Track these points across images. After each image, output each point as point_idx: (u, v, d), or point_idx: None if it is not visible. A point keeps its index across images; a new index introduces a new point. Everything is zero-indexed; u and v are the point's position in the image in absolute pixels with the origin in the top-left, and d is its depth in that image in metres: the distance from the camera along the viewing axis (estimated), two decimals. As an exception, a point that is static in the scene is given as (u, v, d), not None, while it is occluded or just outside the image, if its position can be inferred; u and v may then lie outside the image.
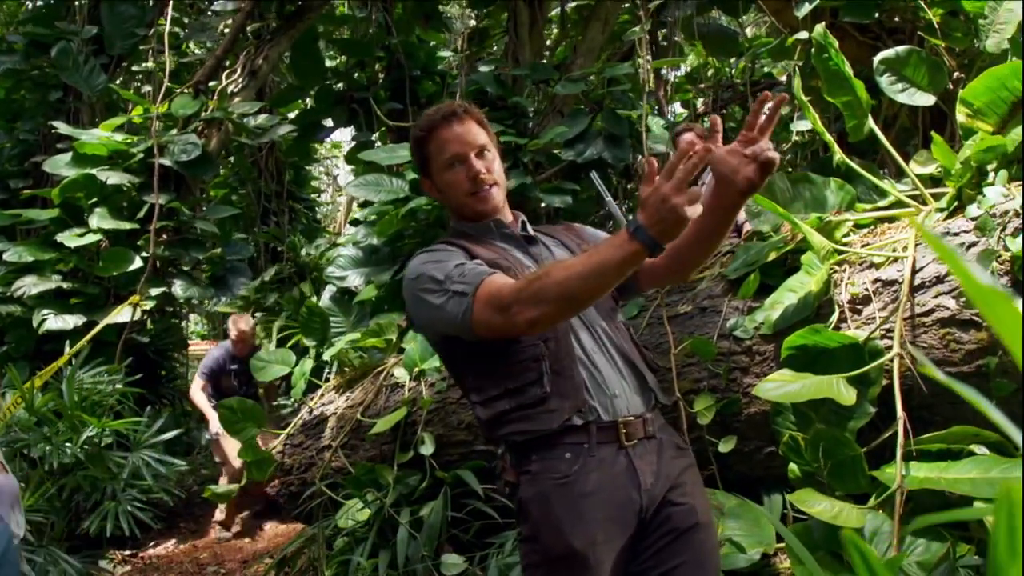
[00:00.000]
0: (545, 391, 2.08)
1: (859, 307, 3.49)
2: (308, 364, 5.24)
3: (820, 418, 3.33)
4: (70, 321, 6.71)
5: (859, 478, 3.08)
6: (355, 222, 7.76)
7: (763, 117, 2.01)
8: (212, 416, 6.58)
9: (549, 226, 2.56)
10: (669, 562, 2.10)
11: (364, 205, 7.53)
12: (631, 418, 2.14)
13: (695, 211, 1.81)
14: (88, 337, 6.14)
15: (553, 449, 2.09)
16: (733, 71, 10.73)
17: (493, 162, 2.29)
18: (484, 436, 2.61)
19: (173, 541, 6.94)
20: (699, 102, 11.54)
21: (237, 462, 6.10)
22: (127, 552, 6.55)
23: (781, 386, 3.12)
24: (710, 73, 11.08)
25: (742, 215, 5.11)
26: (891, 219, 3.88)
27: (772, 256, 3.85)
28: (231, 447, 6.37)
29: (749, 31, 11.33)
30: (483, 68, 7.61)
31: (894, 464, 2.96)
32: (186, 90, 8.11)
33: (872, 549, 0.86)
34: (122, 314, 6.53)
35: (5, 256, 6.99)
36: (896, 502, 2.88)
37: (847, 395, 3.00)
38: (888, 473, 2.99)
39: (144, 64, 9.76)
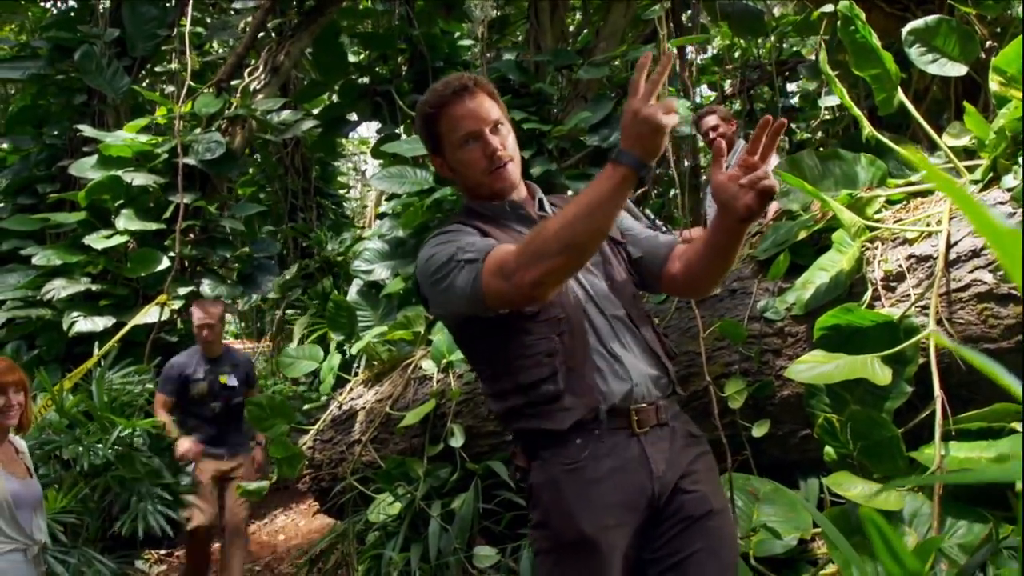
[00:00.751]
0: (559, 388, 2.03)
1: (893, 284, 3.39)
2: (336, 359, 5.20)
3: (855, 399, 3.24)
4: (99, 323, 6.73)
5: (897, 460, 2.99)
6: (382, 216, 7.73)
7: (764, 142, 1.98)
8: (182, 443, 5.36)
9: (561, 197, 2.49)
10: (684, 550, 2.04)
11: (392, 199, 7.50)
12: (644, 405, 2.08)
13: (671, 119, 1.76)
14: (117, 338, 6.16)
15: (564, 437, 2.04)
16: (760, 51, 10.59)
17: (508, 137, 2.20)
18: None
19: (208, 539, 6.94)
20: (727, 83, 11.40)
21: (211, 507, 5.51)
22: (162, 552, 6.58)
23: (814, 367, 3.04)
24: (737, 54, 10.93)
25: None
26: (924, 193, 3.78)
27: (802, 235, 3.76)
28: (206, 485, 5.55)
29: (776, 10, 11.16)
30: (505, 56, 7.54)
31: (933, 445, 2.86)
32: (208, 89, 8.10)
33: (892, 528, 0.80)
34: (150, 314, 6.54)
35: (34, 260, 7.03)
36: (935, 483, 2.79)
37: (882, 375, 2.91)
38: (927, 454, 2.90)
39: (167, 65, 9.77)
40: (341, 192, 14.66)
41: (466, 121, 2.15)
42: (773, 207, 4.94)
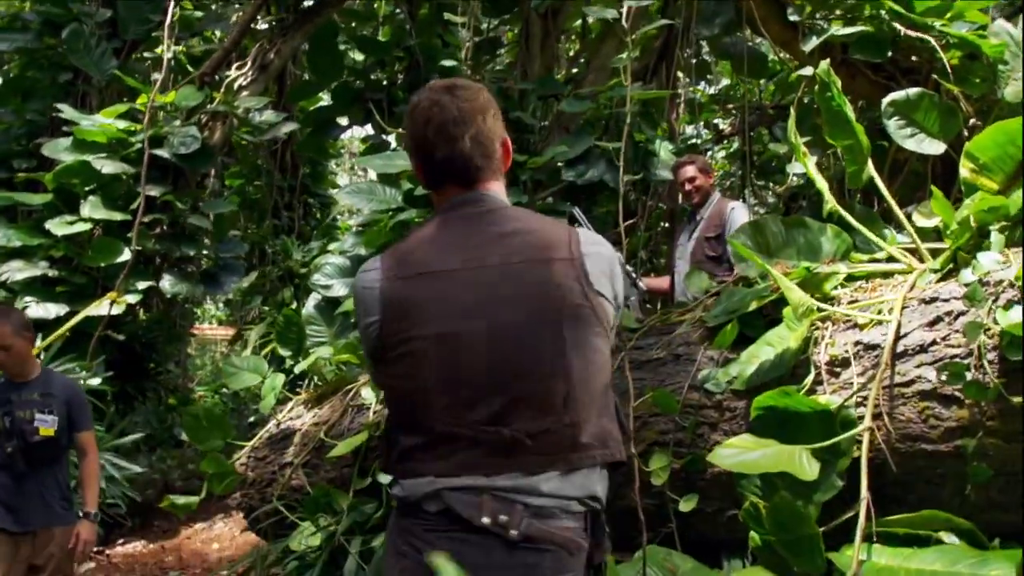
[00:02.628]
0: None
1: (837, 370, 3.27)
2: (279, 379, 5.04)
3: (786, 485, 3.10)
4: (52, 310, 6.58)
5: (815, 559, 2.86)
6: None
7: None
8: None
9: None
10: None
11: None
12: None
13: None
14: (63, 329, 6.01)
15: None
16: (762, 93, 10.48)
17: None
18: None
19: (143, 541, 6.81)
20: (726, 123, 11.30)
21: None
22: (94, 550, 6.43)
23: (739, 453, 2.91)
24: (740, 94, 10.81)
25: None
26: (887, 274, 3.66)
27: (753, 305, 3.63)
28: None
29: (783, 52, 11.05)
30: (489, 80, 7.43)
31: (852, 547, 2.73)
32: (191, 82, 7.97)
33: None
34: (101, 308, 6.38)
35: (-7, 239, 6.88)
36: (850, 592, 2.65)
37: (809, 470, 2.79)
38: (846, 557, 2.77)
39: (157, 51, 9.64)
40: (331, 193, 14.50)
41: None
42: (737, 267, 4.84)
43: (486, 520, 1.79)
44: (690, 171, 5.33)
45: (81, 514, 4.15)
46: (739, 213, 5.15)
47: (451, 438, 1.84)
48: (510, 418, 1.83)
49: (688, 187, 5.34)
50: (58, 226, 6.72)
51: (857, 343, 3.24)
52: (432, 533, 1.82)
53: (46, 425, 3.97)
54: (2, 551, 3.89)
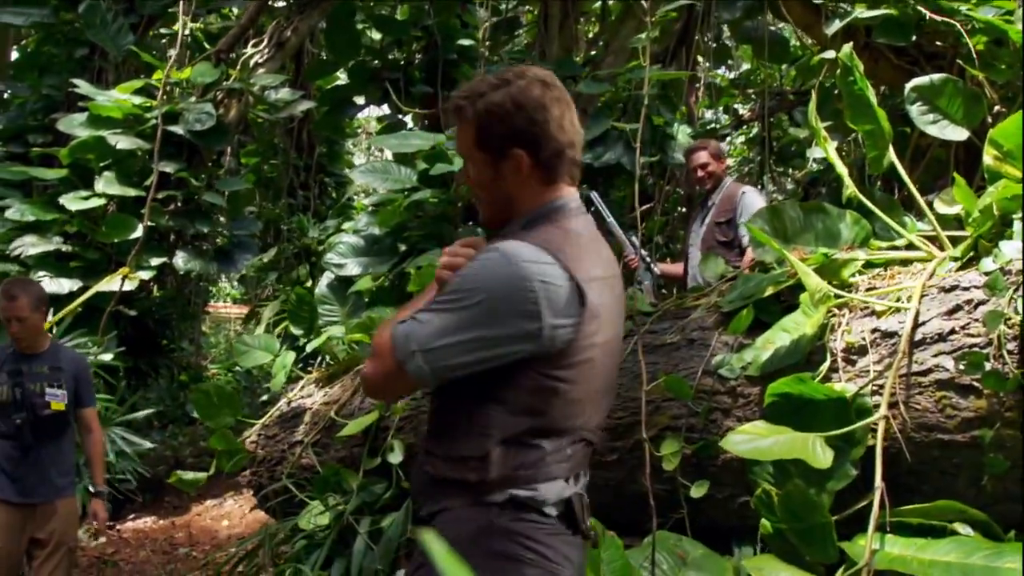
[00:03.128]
0: None
1: (854, 357, 3.22)
2: (289, 357, 5.02)
3: (799, 473, 3.06)
4: (66, 285, 6.57)
5: (828, 548, 2.82)
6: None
7: None
8: None
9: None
10: None
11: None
12: None
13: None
14: (76, 304, 6.00)
15: None
16: (783, 78, 10.38)
17: (471, 175, 1.97)
18: None
19: (154, 516, 6.83)
20: (746, 108, 11.20)
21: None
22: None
23: (752, 440, 2.87)
24: (761, 78, 10.71)
25: (745, 237, 4.88)
26: (906, 262, 3.60)
27: (769, 291, 3.58)
28: None
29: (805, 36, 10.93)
30: (508, 60, 7.37)
31: (865, 536, 2.69)
32: (207, 58, 7.94)
33: None
34: (113, 283, 6.37)
35: (7, 214, 6.86)
36: (863, 581, 2.61)
37: (823, 458, 2.74)
38: (858, 546, 2.73)
39: (173, 27, 9.61)
40: (347, 172, 14.44)
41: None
42: (748, 256, 4.78)
43: (587, 523, 1.89)
44: (702, 156, 5.28)
45: (92, 492, 4.17)
46: (750, 198, 5.10)
47: (579, 442, 1.88)
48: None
49: (700, 173, 5.29)
50: (72, 201, 6.71)
51: (874, 330, 3.19)
52: (556, 538, 1.82)
53: (57, 399, 3.97)
54: (3, 521, 3.88)
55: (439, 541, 0.55)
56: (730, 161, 11.93)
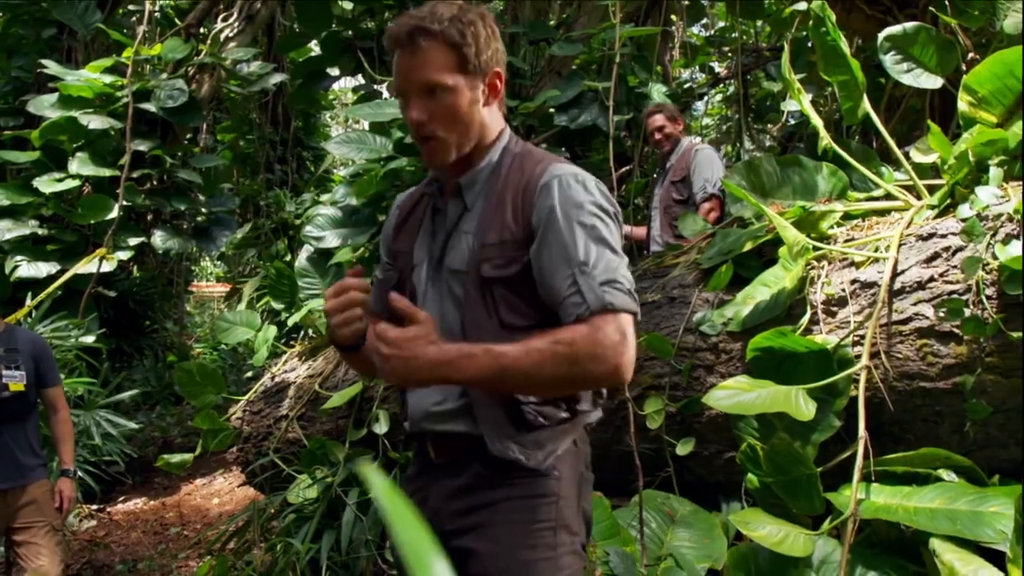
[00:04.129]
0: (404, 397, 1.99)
1: (834, 309, 3.22)
2: (271, 331, 4.99)
3: (783, 426, 3.08)
4: (43, 269, 6.49)
5: (813, 499, 2.84)
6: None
7: None
8: None
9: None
10: None
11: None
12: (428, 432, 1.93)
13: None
14: (53, 287, 5.94)
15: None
16: (759, 35, 10.30)
17: (443, 105, 1.78)
18: None
19: (144, 497, 6.82)
20: (722, 66, 11.13)
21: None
22: (94, 507, 6.44)
23: (736, 395, 2.87)
24: (735, 36, 10.63)
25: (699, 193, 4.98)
26: (883, 212, 3.60)
27: (748, 246, 3.58)
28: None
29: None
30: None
31: (851, 486, 2.70)
32: (177, 34, 7.83)
33: None
34: (90, 265, 6.31)
35: (-20, 198, 6.78)
36: (848, 530, 2.63)
37: (806, 410, 2.74)
38: (844, 496, 2.75)
39: (143, 3, 9.47)
40: (324, 145, 14.32)
41: (398, 77, 1.82)
42: (703, 210, 4.84)
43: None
44: (659, 120, 5.32)
45: (61, 472, 4.02)
46: (703, 154, 5.15)
47: None
48: None
49: (658, 136, 5.34)
50: (46, 184, 6.62)
51: (854, 281, 3.19)
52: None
53: (15, 380, 3.80)
54: None
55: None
56: (708, 120, 11.96)
